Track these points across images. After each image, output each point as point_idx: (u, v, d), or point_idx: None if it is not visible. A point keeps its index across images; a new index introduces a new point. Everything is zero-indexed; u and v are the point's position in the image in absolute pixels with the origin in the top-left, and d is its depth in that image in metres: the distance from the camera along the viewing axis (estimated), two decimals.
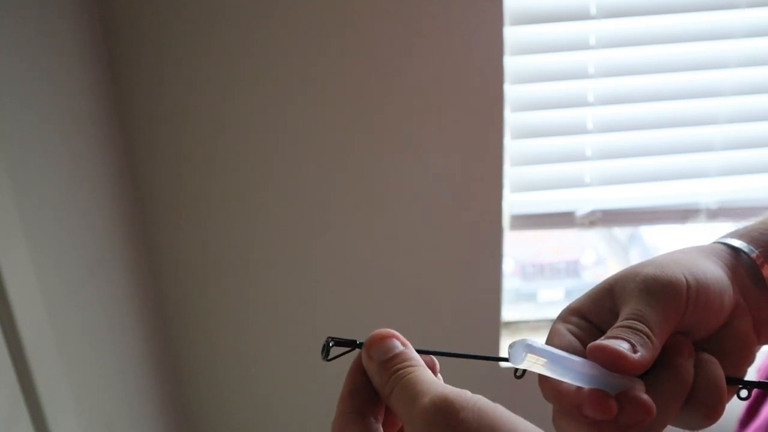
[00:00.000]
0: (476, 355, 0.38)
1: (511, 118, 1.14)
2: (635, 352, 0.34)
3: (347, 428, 0.32)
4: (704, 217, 1.20)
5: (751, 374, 0.38)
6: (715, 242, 0.42)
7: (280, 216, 1.19)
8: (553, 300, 1.57)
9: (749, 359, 0.38)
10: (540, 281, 1.64)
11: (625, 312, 0.36)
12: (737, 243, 0.40)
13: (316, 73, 1.09)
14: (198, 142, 1.14)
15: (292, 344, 1.30)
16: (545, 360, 0.33)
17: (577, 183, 1.19)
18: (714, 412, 0.35)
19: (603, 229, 1.59)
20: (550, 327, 0.39)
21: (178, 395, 1.34)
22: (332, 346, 0.34)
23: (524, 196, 1.21)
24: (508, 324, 1.40)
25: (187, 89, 1.10)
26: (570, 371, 0.34)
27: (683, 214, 1.22)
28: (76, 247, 0.95)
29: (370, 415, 0.33)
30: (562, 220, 1.23)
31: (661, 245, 1.52)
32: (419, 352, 0.34)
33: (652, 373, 0.35)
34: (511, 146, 1.16)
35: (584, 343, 0.36)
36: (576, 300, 0.40)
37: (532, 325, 1.40)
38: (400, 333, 0.34)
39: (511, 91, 1.12)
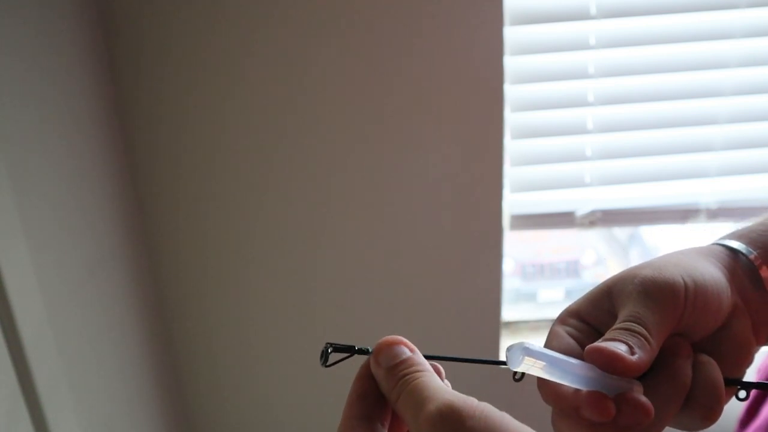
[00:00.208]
0: (474, 359, 0.38)
1: (511, 118, 1.14)
2: (633, 354, 0.34)
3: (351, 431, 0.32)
4: (704, 217, 1.20)
5: (751, 375, 0.38)
6: (713, 244, 0.42)
7: (279, 216, 1.19)
8: (553, 300, 1.57)
9: (748, 360, 0.38)
10: (540, 281, 1.64)
11: (623, 314, 0.36)
12: (736, 244, 0.40)
13: (316, 73, 1.09)
14: (198, 142, 1.14)
15: (292, 344, 1.30)
16: (543, 363, 0.33)
17: (577, 183, 1.19)
18: (712, 413, 0.35)
19: (603, 229, 1.59)
20: (549, 328, 0.39)
21: (178, 395, 1.34)
22: (331, 352, 0.34)
23: (524, 196, 1.21)
24: (508, 324, 1.40)
25: (187, 89, 1.10)
26: (568, 374, 0.34)
27: (683, 214, 1.22)
28: (76, 247, 0.95)
29: (377, 420, 0.33)
30: (562, 220, 1.23)
31: (661, 245, 1.52)
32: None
33: (650, 374, 0.35)
34: (511, 146, 1.16)
35: (583, 346, 0.36)
36: (574, 302, 0.40)
37: (532, 325, 1.40)
38: (400, 333, 0.35)
39: (511, 91, 1.12)
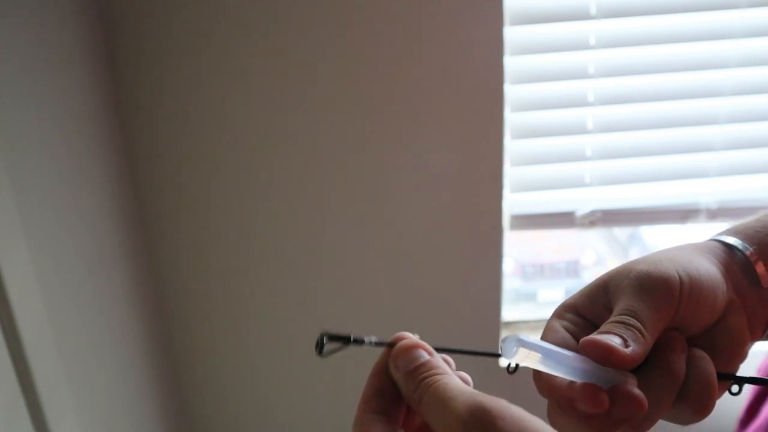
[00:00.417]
0: (469, 350, 0.38)
1: (511, 118, 1.14)
2: (627, 346, 0.34)
3: (371, 428, 0.32)
4: (704, 217, 1.21)
5: (751, 374, 0.38)
6: (709, 240, 0.42)
7: (279, 216, 1.19)
8: (553, 300, 1.57)
9: (742, 356, 0.38)
10: (540, 281, 1.64)
11: (618, 308, 0.36)
12: (732, 240, 0.41)
13: (316, 73, 1.09)
14: (198, 142, 1.14)
15: (292, 344, 1.30)
16: (538, 354, 0.33)
17: (577, 183, 1.19)
18: (705, 407, 0.35)
19: (603, 229, 1.59)
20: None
21: (178, 395, 1.34)
22: (326, 341, 0.34)
23: (524, 196, 1.21)
24: (508, 324, 1.40)
25: (187, 89, 1.10)
26: (562, 365, 0.34)
27: (683, 214, 1.22)
28: (76, 247, 0.95)
29: (393, 416, 0.33)
30: (562, 220, 1.23)
31: (661, 245, 1.52)
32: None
33: (644, 368, 0.35)
34: (511, 146, 1.16)
35: (578, 339, 0.36)
36: (571, 297, 0.40)
37: (532, 325, 1.40)
38: (401, 333, 0.35)
39: (511, 91, 1.12)
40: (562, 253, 1.64)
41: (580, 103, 1.13)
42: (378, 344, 0.35)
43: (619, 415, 0.33)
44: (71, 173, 0.95)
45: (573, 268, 1.64)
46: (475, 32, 1.06)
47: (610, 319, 0.36)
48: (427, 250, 1.22)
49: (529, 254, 1.63)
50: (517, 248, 1.58)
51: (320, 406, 1.35)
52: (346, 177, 1.16)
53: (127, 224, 1.12)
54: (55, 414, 0.81)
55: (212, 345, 1.31)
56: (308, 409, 1.37)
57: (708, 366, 0.36)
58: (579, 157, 1.17)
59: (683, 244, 0.42)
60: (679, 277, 0.37)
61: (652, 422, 0.35)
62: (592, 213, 1.21)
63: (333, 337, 0.34)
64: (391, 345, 0.34)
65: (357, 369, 0.36)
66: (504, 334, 1.33)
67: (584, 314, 0.39)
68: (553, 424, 0.36)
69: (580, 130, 1.15)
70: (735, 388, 0.37)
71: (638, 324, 0.35)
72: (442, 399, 0.30)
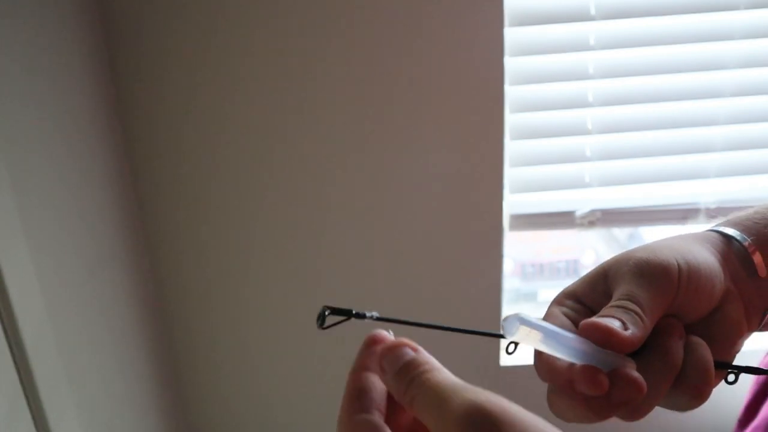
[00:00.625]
0: (469, 330, 0.38)
1: (511, 119, 1.14)
2: (626, 329, 0.34)
3: (357, 429, 0.32)
4: (704, 217, 1.21)
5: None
6: (708, 230, 0.43)
7: (279, 217, 1.19)
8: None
9: (738, 344, 0.39)
10: (540, 281, 1.64)
11: (617, 293, 0.37)
12: (730, 231, 0.41)
13: (316, 73, 1.09)
14: (198, 142, 1.14)
15: (292, 344, 1.30)
16: (539, 334, 0.33)
17: (577, 183, 1.19)
18: (701, 393, 0.35)
19: (603, 229, 1.59)
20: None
21: (178, 395, 1.34)
22: (328, 314, 0.34)
23: (524, 197, 1.21)
24: None
25: (187, 89, 1.10)
26: (563, 346, 0.34)
27: (683, 215, 1.22)
28: (76, 247, 0.95)
29: (378, 413, 0.32)
30: (562, 220, 1.23)
31: None
32: (405, 323, 0.34)
33: (643, 353, 0.36)
34: (511, 146, 1.16)
35: (578, 325, 0.37)
36: (571, 284, 0.41)
37: None
38: (401, 334, 0.34)
39: (511, 92, 1.12)
40: (562, 253, 1.64)
41: (580, 103, 1.14)
42: (379, 319, 0.34)
43: (618, 398, 0.33)
44: (71, 173, 0.95)
45: (573, 268, 1.64)
46: (475, 33, 1.06)
47: (609, 304, 0.37)
48: (427, 250, 1.22)
49: (529, 254, 1.63)
50: (517, 248, 1.58)
51: (320, 406, 1.35)
52: (346, 177, 1.16)
53: (127, 224, 1.12)
54: (55, 413, 0.81)
55: (212, 345, 1.31)
56: (308, 409, 1.37)
57: (705, 352, 0.36)
58: (579, 157, 1.17)
59: (682, 234, 0.42)
60: (678, 264, 0.37)
61: (650, 407, 0.35)
62: (592, 213, 1.21)
63: (335, 311, 0.34)
64: (359, 315, 0.34)
65: (356, 354, 0.35)
66: None
67: (584, 301, 0.40)
68: (552, 408, 0.36)
69: (580, 130, 1.16)
70: (731, 377, 0.37)
71: (637, 308, 0.35)
72: (436, 399, 0.29)
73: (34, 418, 0.78)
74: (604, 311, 0.36)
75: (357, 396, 0.33)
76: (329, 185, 1.17)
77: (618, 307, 0.36)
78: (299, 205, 1.18)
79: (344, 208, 1.19)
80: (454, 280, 1.25)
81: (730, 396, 0.59)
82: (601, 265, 0.40)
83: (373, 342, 0.34)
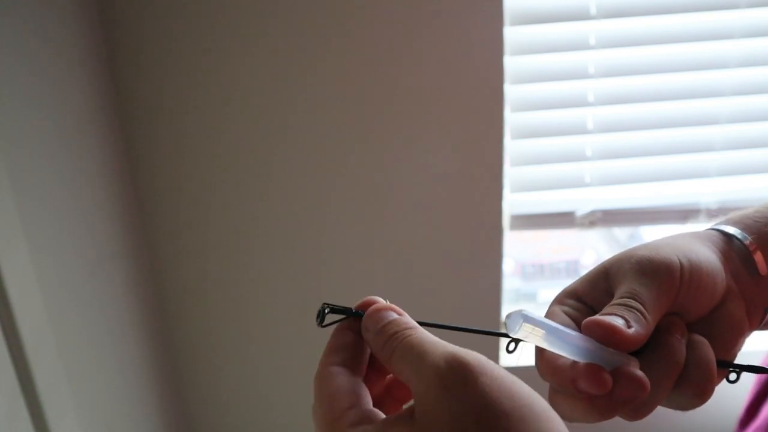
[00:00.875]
0: (472, 329, 0.38)
1: (511, 118, 1.14)
2: (629, 327, 0.34)
3: (331, 380, 0.32)
4: (704, 217, 1.21)
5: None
6: (709, 229, 0.43)
7: (279, 217, 1.19)
8: None
9: (740, 343, 0.39)
10: (540, 281, 1.64)
11: (620, 291, 0.37)
12: (731, 229, 0.41)
13: (316, 72, 1.09)
14: (198, 142, 1.14)
15: (292, 344, 1.30)
16: (541, 331, 0.33)
17: (577, 183, 1.19)
18: (704, 392, 0.35)
19: (603, 229, 1.58)
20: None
21: (178, 395, 1.34)
22: (327, 312, 0.34)
23: (524, 196, 1.21)
24: None
25: (187, 89, 1.10)
26: (565, 344, 0.34)
27: (683, 214, 1.22)
28: (76, 247, 0.95)
29: (353, 369, 0.33)
30: (562, 220, 1.23)
31: None
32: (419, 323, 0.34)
33: (645, 351, 0.36)
34: (511, 146, 1.16)
35: (579, 325, 0.37)
36: (572, 283, 0.41)
37: None
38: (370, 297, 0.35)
39: (511, 91, 1.12)
40: (562, 253, 1.64)
41: (581, 103, 1.13)
42: None
43: (621, 396, 0.33)
44: (71, 173, 0.95)
45: (573, 268, 1.64)
46: (475, 32, 1.06)
47: (612, 302, 0.36)
48: (427, 250, 1.22)
49: (529, 254, 1.62)
50: (517, 248, 1.58)
51: None
52: (346, 177, 1.16)
53: (127, 224, 1.12)
54: (55, 414, 0.81)
55: (212, 345, 1.31)
56: (308, 409, 1.37)
57: (707, 351, 0.36)
58: (579, 157, 1.17)
59: (683, 233, 0.42)
60: (680, 262, 0.37)
61: (653, 406, 0.35)
62: (592, 213, 1.21)
63: (334, 309, 0.34)
64: (358, 314, 0.34)
65: None
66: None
67: (585, 300, 0.39)
68: (554, 407, 0.36)
69: (580, 130, 1.15)
70: (733, 376, 0.37)
71: (640, 306, 0.35)
72: (415, 352, 0.30)
73: (33, 418, 0.78)
74: (606, 309, 0.36)
75: (336, 350, 0.33)
76: (329, 185, 1.17)
77: (621, 305, 0.36)
78: (299, 204, 1.18)
79: (344, 208, 1.19)
80: (454, 280, 1.25)
81: (732, 396, 0.59)
82: (602, 263, 0.40)
83: (364, 305, 0.35)
